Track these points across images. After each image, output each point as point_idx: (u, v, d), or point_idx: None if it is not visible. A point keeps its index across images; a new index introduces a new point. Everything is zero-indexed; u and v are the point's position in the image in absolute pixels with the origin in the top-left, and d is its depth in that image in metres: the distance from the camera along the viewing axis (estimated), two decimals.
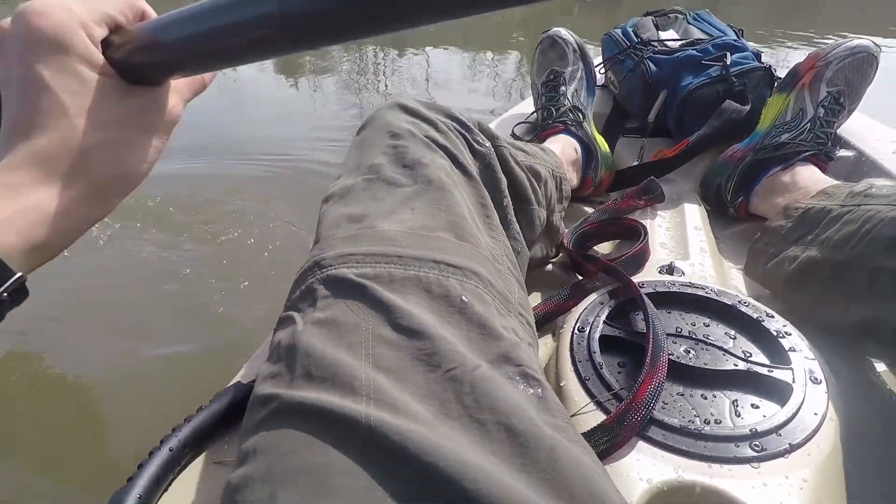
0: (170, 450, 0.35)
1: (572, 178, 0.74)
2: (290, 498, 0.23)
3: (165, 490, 0.34)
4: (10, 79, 0.27)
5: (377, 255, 0.33)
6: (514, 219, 0.49)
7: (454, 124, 0.48)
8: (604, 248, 0.71)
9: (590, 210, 0.76)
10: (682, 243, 0.67)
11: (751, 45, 0.90)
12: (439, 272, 0.33)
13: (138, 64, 0.29)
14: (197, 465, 0.37)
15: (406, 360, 0.28)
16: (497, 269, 0.38)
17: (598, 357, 0.43)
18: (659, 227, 0.71)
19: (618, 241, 0.70)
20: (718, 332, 0.46)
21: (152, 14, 0.30)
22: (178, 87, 0.32)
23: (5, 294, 0.24)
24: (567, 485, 0.24)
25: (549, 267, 0.64)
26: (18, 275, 0.25)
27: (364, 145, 0.45)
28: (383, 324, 0.30)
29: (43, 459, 0.66)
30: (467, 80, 2.64)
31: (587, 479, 0.24)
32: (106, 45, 0.28)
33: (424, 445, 0.23)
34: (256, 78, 2.54)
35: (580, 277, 0.60)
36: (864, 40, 0.69)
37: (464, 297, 0.32)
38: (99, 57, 0.28)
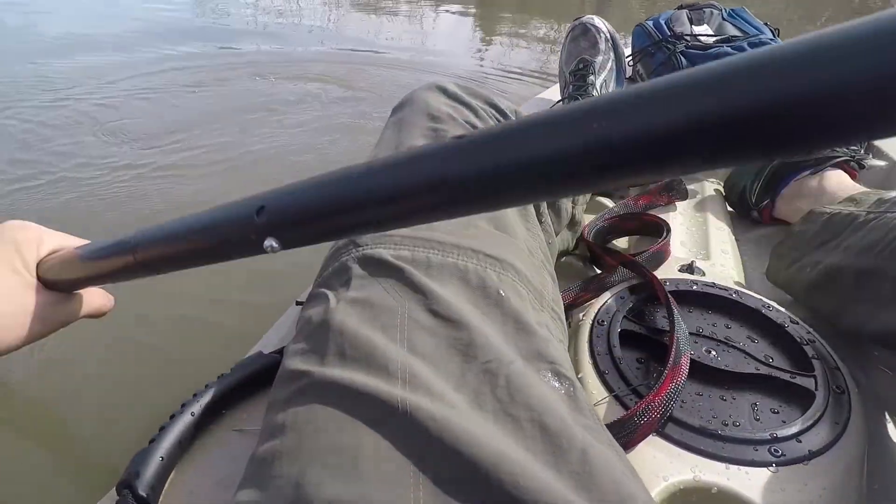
0: (191, 414, 0.35)
1: None
2: (318, 476, 0.23)
3: (186, 453, 0.35)
4: None
5: (416, 238, 0.33)
6: (546, 211, 0.49)
7: (493, 111, 0.47)
8: (622, 244, 0.70)
9: (611, 204, 0.75)
10: (704, 243, 0.67)
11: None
12: (478, 262, 0.33)
13: (58, 278, 0.38)
14: (216, 431, 0.37)
15: (442, 347, 0.28)
16: (532, 262, 0.37)
17: (617, 351, 0.43)
18: (680, 225, 0.70)
19: (637, 236, 0.69)
20: (740, 334, 0.45)
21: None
22: (80, 298, 0.41)
23: None
24: (598, 486, 0.23)
25: (568, 259, 0.64)
26: None
27: (402, 125, 0.44)
28: (420, 308, 0.29)
29: (63, 427, 0.67)
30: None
31: (618, 482, 0.24)
32: (41, 263, 0.38)
33: (460, 433, 0.23)
34: None
35: (599, 271, 0.59)
36: None
37: (501, 291, 0.32)
38: (33, 264, 0.38)
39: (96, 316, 0.43)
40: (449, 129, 0.42)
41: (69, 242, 0.40)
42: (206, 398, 0.36)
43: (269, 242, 0.24)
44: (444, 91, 0.46)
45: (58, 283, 0.38)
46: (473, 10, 3.41)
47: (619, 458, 0.26)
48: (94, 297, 0.43)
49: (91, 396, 0.69)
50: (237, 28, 2.56)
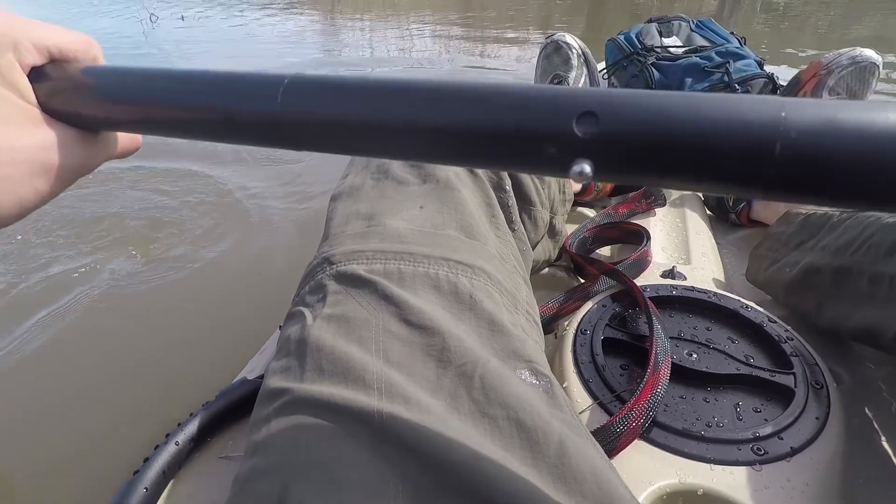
0: (175, 444, 0.35)
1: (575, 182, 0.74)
2: (301, 491, 0.23)
3: (171, 483, 0.34)
4: None
5: (387, 251, 0.34)
6: (518, 219, 0.49)
7: None
8: (606, 252, 0.71)
9: (592, 214, 0.76)
10: (684, 248, 0.68)
11: (753, 53, 0.90)
12: (448, 269, 0.33)
13: (65, 106, 0.25)
14: (202, 459, 0.37)
15: (417, 355, 0.28)
16: (504, 267, 0.38)
17: (600, 359, 0.43)
18: (661, 231, 0.72)
19: (620, 245, 0.70)
20: (720, 336, 0.46)
21: (102, 61, 0.27)
22: (103, 139, 0.27)
23: None
24: (576, 478, 0.24)
25: (552, 270, 0.65)
26: None
27: None
28: (394, 319, 0.30)
29: (51, 456, 0.66)
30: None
31: (596, 472, 0.24)
32: (39, 72, 0.25)
33: (437, 439, 0.24)
34: None
35: (582, 280, 0.60)
36: (866, 50, 0.69)
37: (473, 294, 0.32)
38: (20, 79, 0.24)
39: (121, 157, 0.30)
40: None
41: (68, 39, 0.26)
42: (191, 427, 0.36)
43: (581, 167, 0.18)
44: None
45: (70, 115, 0.26)
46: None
47: (597, 451, 0.27)
48: (124, 138, 0.29)
49: (80, 416, 0.68)
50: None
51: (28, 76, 0.25)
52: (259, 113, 0.22)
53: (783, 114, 0.16)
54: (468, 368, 0.28)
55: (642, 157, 0.17)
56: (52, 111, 0.25)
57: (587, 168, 0.18)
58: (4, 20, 0.24)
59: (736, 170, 0.16)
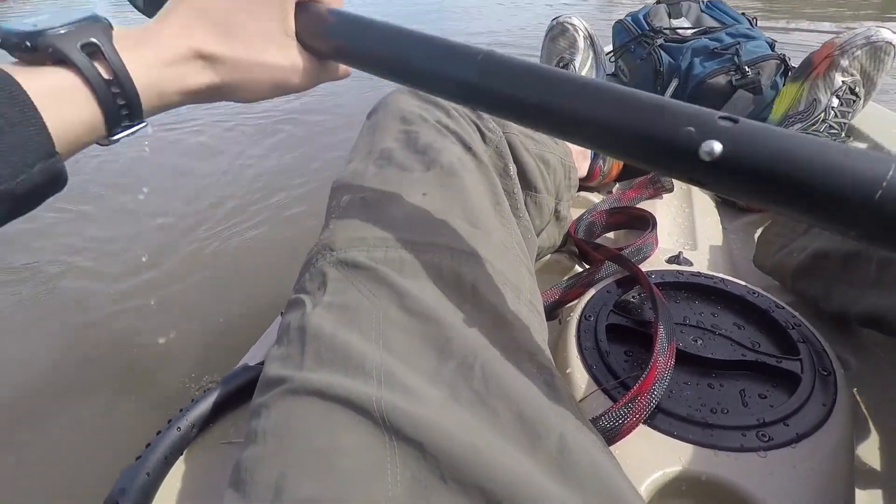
0: (178, 429, 0.35)
1: (581, 167, 0.73)
2: (296, 479, 0.23)
3: (173, 468, 0.35)
4: None
5: (388, 239, 0.33)
6: (523, 206, 0.49)
7: (466, 110, 0.47)
8: (611, 238, 0.70)
9: (598, 199, 0.75)
10: (691, 233, 0.67)
11: (764, 33, 0.88)
12: (451, 258, 0.33)
13: (311, 36, 0.34)
14: (205, 445, 0.37)
15: (417, 344, 0.28)
16: (507, 256, 0.37)
17: (604, 345, 0.43)
18: (667, 216, 0.71)
19: (625, 230, 0.69)
20: (727, 321, 0.46)
21: (342, 4, 0.36)
22: (324, 67, 0.37)
23: (132, 134, 0.31)
24: (576, 471, 0.23)
25: (557, 256, 0.64)
26: (146, 123, 0.31)
27: (376, 130, 0.45)
28: (394, 307, 0.30)
29: (54, 442, 0.67)
30: None
31: (596, 465, 0.24)
32: (298, 10, 0.34)
33: (435, 429, 0.23)
34: None
35: (587, 266, 0.59)
36: (882, 29, 0.67)
37: (474, 283, 0.32)
38: (290, 13, 0.34)
39: (336, 79, 0.39)
40: (421, 131, 0.43)
41: None
42: (193, 412, 0.36)
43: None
44: (416, 93, 0.46)
45: (313, 46, 0.35)
46: None
47: (599, 445, 0.26)
48: (334, 66, 0.39)
49: (80, 411, 0.69)
50: None
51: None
52: (455, 77, 0.28)
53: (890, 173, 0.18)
54: (469, 359, 0.27)
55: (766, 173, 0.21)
56: (301, 41, 0.34)
57: (716, 147, 0.21)
58: None
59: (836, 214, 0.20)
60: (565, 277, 0.54)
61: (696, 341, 0.43)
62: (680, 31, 0.91)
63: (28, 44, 0.27)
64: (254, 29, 0.32)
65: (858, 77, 0.68)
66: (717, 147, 0.21)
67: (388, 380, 0.26)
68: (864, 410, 0.42)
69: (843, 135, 0.68)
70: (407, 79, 0.32)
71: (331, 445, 0.24)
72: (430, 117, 0.44)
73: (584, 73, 0.82)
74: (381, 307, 0.30)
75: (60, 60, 0.27)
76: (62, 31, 0.27)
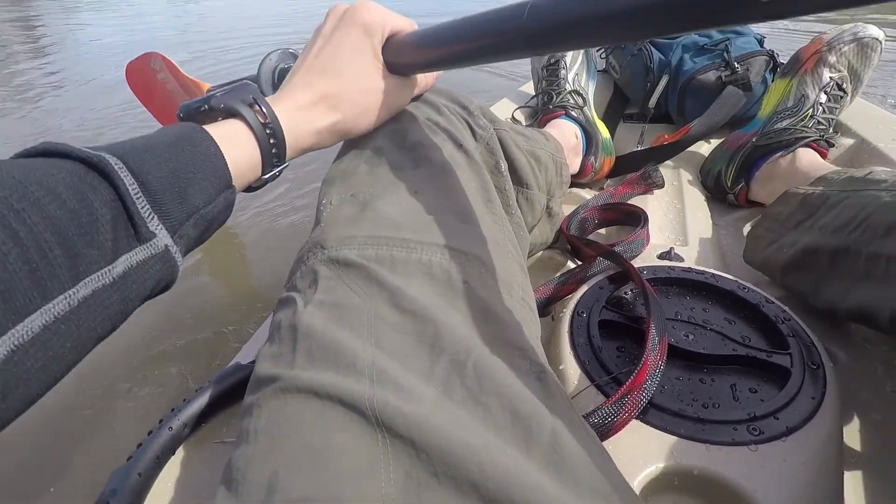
0: (169, 429, 0.35)
1: (573, 164, 0.74)
2: (291, 478, 0.23)
3: (165, 469, 0.34)
4: (329, 37, 0.40)
5: (380, 237, 0.33)
6: (515, 202, 0.49)
7: (456, 107, 0.47)
8: (603, 234, 0.71)
9: (590, 196, 0.76)
10: (682, 229, 0.67)
11: (753, 30, 0.89)
12: (442, 256, 0.33)
13: (396, 60, 0.40)
14: (197, 444, 0.37)
15: (409, 342, 0.28)
16: (499, 252, 0.37)
17: (597, 341, 0.43)
18: (658, 212, 0.71)
19: (617, 226, 0.70)
20: (717, 317, 0.46)
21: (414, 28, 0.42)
22: (415, 82, 0.44)
23: (277, 172, 0.38)
24: (570, 467, 0.24)
25: (549, 252, 0.64)
26: (288, 163, 0.39)
27: None
28: (386, 306, 0.29)
29: (43, 442, 0.66)
30: None
31: (589, 460, 0.24)
32: (384, 43, 0.40)
33: (428, 426, 0.23)
34: None
35: (579, 262, 0.60)
36: (868, 26, 0.68)
37: (466, 280, 0.32)
38: (380, 49, 0.40)
39: (425, 89, 0.46)
40: (410, 128, 0.42)
41: (404, 24, 0.41)
42: (185, 412, 0.36)
43: None
44: None
45: (399, 67, 0.40)
46: None
47: (592, 440, 0.27)
48: (421, 79, 0.44)
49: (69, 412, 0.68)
50: None
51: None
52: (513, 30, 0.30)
53: None
54: (461, 356, 0.27)
55: None
56: (390, 66, 0.41)
57: None
58: (381, 13, 0.40)
59: None
60: (558, 274, 0.54)
61: (688, 336, 0.44)
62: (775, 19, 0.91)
63: (206, 107, 0.36)
64: (355, 68, 0.39)
65: (846, 73, 0.69)
66: None
67: (380, 378, 0.26)
68: (853, 404, 0.43)
69: (832, 130, 0.69)
70: (477, 58, 0.35)
71: (323, 444, 0.24)
72: (420, 114, 0.44)
73: (574, 70, 0.82)
74: (373, 305, 0.29)
75: (230, 114, 0.35)
76: (228, 93, 0.36)
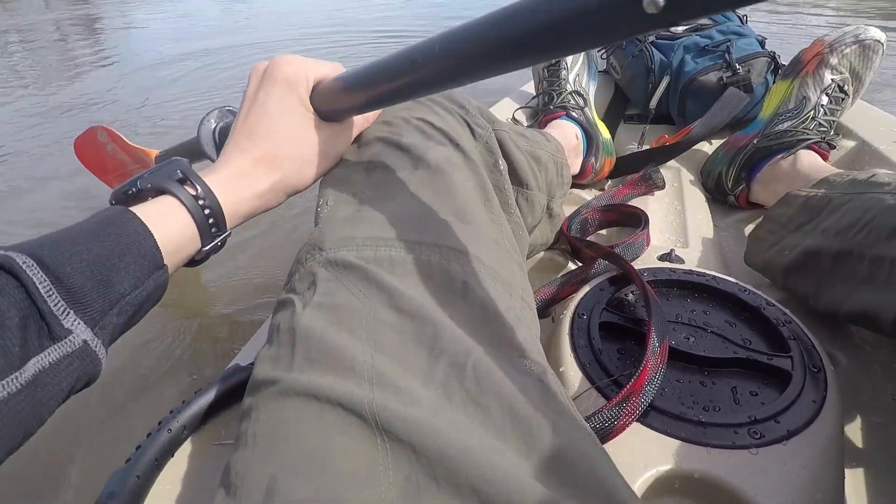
0: (168, 431, 0.35)
1: (573, 165, 0.73)
2: (289, 482, 0.23)
3: (164, 471, 0.34)
4: (253, 98, 0.40)
5: (378, 238, 0.33)
6: (514, 203, 0.49)
7: (453, 107, 0.47)
8: (604, 235, 0.70)
9: (590, 197, 0.75)
10: (682, 231, 0.67)
11: (755, 31, 0.89)
12: (441, 256, 0.33)
13: (326, 107, 0.40)
14: (196, 446, 0.36)
15: (408, 344, 0.28)
16: (498, 252, 0.37)
17: (597, 343, 0.43)
18: (659, 214, 0.71)
19: (618, 227, 0.70)
20: (718, 319, 0.46)
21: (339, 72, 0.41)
22: (351, 124, 0.43)
23: (220, 243, 0.37)
24: (570, 468, 0.23)
25: (550, 253, 0.64)
26: (229, 231, 0.38)
27: (359, 134, 0.45)
28: (385, 307, 0.29)
29: (42, 444, 0.66)
30: None
31: (590, 462, 0.24)
32: (311, 92, 0.40)
33: (428, 429, 0.23)
34: None
35: (580, 264, 0.60)
36: (870, 28, 0.68)
37: (465, 281, 0.32)
38: (307, 99, 0.40)
39: (361, 130, 0.45)
40: (402, 132, 0.42)
41: (327, 70, 0.41)
42: (184, 414, 0.36)
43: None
44: None
45: (330, 114, 0.40)
46: None
47: (593, 442, 0.26)
48: (358, 119, 0.44)
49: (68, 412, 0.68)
50: None
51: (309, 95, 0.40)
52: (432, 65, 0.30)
53: None
54: (461, 357, 0.27)
55: None
56: (321, 114, 0.40)
57: None
58: (302, 63, 0.40)
59: None
60: (558, 275, 0.54)
61: (689, 339, 0.43)
62: (671, 28, 0.91)
63: (133, 189, 0.35)
64: (286, 124, 0.39)
65: (847, 75, 0.69)
66: None
67: (379, 380, 0.26)
68: (854, 407, 0.43)
69: (833, 132, 0.69)
70: (405, 96, 0.36)
71: (322, 447, 0.24)
72: (412, 116, 0.44)
73: (575, 70, 0.82)
74: (372, 307, 0.29)
75: (160, 191, 0.34)
76: (155, 173, 0.35)
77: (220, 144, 0.53)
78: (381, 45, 2.56)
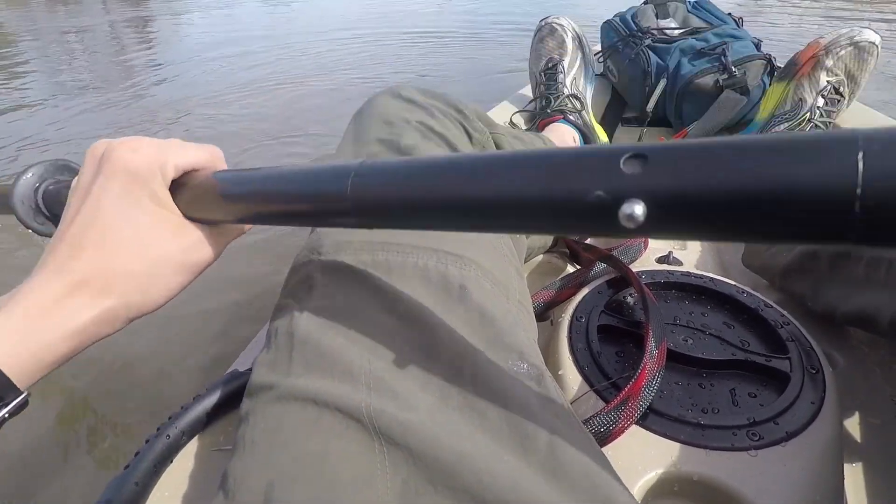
0: (167, 437, 0.34)
1: None
2: (287, 488, 0.23)
3: (162, 477, 0.34)
4: (86, 192, 0.29)
5: (375, 242, 0.33)
6: None
7: (451, 111, 0.47)
8: (601, 238, 0.71)
9: None
10: None
11: (749, 34, 0.89)
12: (437, 260, 0.33)
13: (196, 210, 0.31)
14: (195, 452, 0.36)
15: (405, 348, 0.28)
16: (495, 255, 0.37)
17: (596, 345, 0.43)
18: None
19: None
20: (716, 321, 0.46)
21: (223, 167, 0.33)
22: (224, 230, 0.33)
23: (7, 415, 0.25)
24: (567, 472, 0.23)
25: (548, 256, 0.64)
26: (25, 394, 0.26)
27: (359, 132, 0.45)
28: (382, 312, 0.29)
29: (42, 449, 0.66)
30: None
31: (587, 465, 0.24)
32: (175, 184, 0.31)
33: (425, 433, 0.23)
34: None
35: (578, 267, 0.60)
36: (865, 30, 0.68)
37: (462, 284, 0.32)
38: (165, 195, 0.30)
39: (236, 237, 0.35)
40: (403, 133, 0.42)
41: (200, 158, 0.31)
42: (183, 420, 0.36)
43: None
44: (399, 95, 0.46)
45: (202, 219, 0.31)
46: None
47: (591, 446, 0.26)
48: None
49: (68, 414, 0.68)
50: None
51: (169, 188, 0.30)
52: (333, 200, 0.25)
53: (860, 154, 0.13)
54: (457, 361, 0.27)
55: (695, 202, 0.16)
56: (188, 216, 0.31)
57: (637, 210, 0.16)
58: (155, 150, 0.30)
59: (818, 224, 0.14)
60: (557, 278, 0.54)
61: (687, 341, 0.43)
62: (667, 31, 0.92)
63: None
64: (126, 231, 0.28)
65: (843, 77, 0.69)
66: (639, 210, 0.16)
67: (376, 385, 0.26)
68: (852, 408, 0.43)
69: None
70: (298, 223, 0.28)
71: (320, 452, 0.24)
72: (413, 119, 0.44)
73: (572, 74, 0.83)
74: (369, 312, 0.29)
75: None
76: None
77: (46, 209, 0.39)
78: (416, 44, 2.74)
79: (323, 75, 2.31)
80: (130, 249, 0.28)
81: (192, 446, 0.37)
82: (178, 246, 0.30)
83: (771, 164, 0.15)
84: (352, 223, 0.25)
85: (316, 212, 0.26)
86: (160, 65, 2.65)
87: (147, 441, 0.34)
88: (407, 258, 0.32)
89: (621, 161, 0.17)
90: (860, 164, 0.13)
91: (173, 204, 0.30)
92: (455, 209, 0.21)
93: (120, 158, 0.29)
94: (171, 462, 0.35)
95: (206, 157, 0.32)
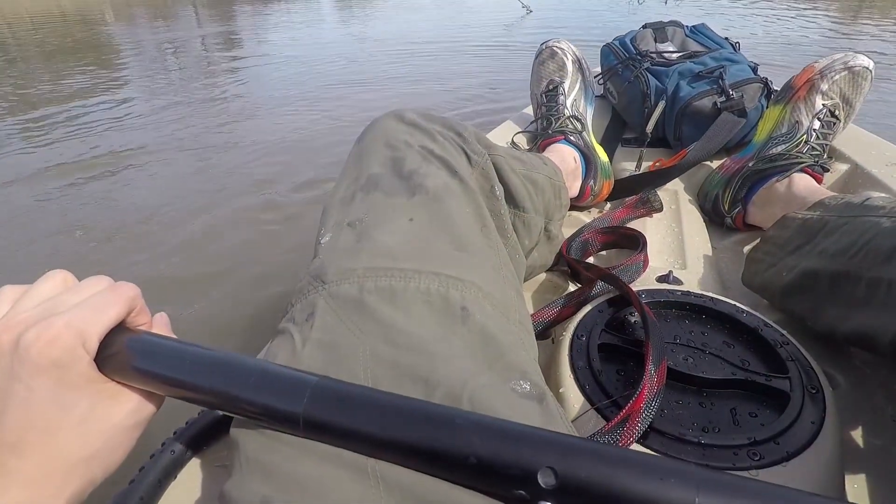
0: (171, 452, 0.35)
1: (572, 188, 0.75)
2: None
3: (167, 492, 0.34)
4: (7, 394, 0.26)
5: (378, 269, 0.34)
6: (511, 227, 0.49)
7: (451, 134, 0.48)
8: (603, 256, 0.71)
9: (589, 219, 0.76)
10: (680, 252, 0.68)
11: (746, 58, 0.91)
12: (439, 283, 0.33)
13: (125, 373, 0.29)
14: (198, 468, 0.37)
15: (405, 380, 0.28)
16: (496, 277, 0.38)
17: (597, 364, 0.43)
18: (657, 235, 0.72)
19: (616, 249, 0.70)
20: (716, 340, 0.46)
21: (141, 303, 0.31)
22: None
23: None
24: None
25: (549, 275, 0.65)
26: None
27: (362, 156, 0.46)
28: (382, 342, 0.30)
29: None
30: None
31: None
32: (104, 344, 0.28)
33: None
34: None
35: (579, 285, 0.60)
36: (859, 55, 0.70)
37: (464, 307, 0.32)
38: (92, 370, 0.28)
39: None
40: (406, 156, 0.43)
41: (118, 312, 0.29)
42: (187, 435, 0.36)
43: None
44: (401, 118, 0.48)
45: (132, 386, 0.29)
46: None
47: None
48: None
49: None
50: None
51: (95, 358, 0.28)
52: (282, 410, 0.25)
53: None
54: (456, 389, 0.28)
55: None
56: (120, 382, 0.29)
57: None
58: (68, 333, 0.26)
59: None
60: (558, 296, 0.55)
61: (687, 360, 0.44)
62: (666, 54, 0.94)
63: None
64: (71, 419, 0.27)
65: (838, 100, 0.71)
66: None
67: None
68: (853, 429, 0.43)
69: (826, 155, 0.70)
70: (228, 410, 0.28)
71: (315, 476, 0.24)
72: (415, 142, 0.45)
73: (572, 96, 0.84)
74: (370, 343, 0.30)
75: None
76: None
77: None
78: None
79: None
80: (81, 437, 0.27)
81: (195, 462, 0.37)
82: (124, 411, 0.29)
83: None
84: (298, 434, 0.25)
85: (260, 413, 0.26)
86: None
87: (152, 456, 0.35)
88: (409, 283, 0.33)
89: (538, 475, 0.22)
90: None
91: (100, 374, 0.28)
92: (404, 451, 0.24)
93: (39, 355, 0.26)
94: (175, 477, 0.35)
95: (124, 308, 0.29)
